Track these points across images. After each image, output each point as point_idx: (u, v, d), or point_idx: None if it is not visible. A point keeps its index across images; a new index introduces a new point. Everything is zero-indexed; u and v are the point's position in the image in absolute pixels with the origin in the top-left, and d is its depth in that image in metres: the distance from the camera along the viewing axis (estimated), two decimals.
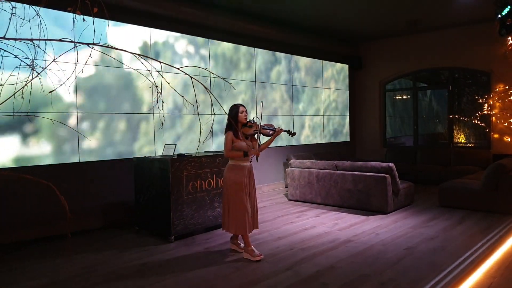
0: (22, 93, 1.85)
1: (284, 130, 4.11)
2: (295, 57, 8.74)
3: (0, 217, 4.59)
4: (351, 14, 7.62)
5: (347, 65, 10.28)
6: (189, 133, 6.58)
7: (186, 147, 6.49)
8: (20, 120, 4.56)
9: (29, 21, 2.02)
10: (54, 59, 2.32)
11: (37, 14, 2.21)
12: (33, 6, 2.23)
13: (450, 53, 8.83)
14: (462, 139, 9.12)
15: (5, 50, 2.12)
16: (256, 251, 3.91)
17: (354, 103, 10.59)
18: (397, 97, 10.39)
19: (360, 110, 10.57)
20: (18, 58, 2.11)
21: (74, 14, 1.97)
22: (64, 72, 3.24)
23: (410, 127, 9.91)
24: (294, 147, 8.58)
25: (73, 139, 5.18)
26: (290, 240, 4.55)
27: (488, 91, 8.45)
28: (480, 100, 8.60)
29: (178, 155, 4.83)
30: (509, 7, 5.91)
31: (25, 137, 4.77)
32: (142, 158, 4.98)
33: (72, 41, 1.93)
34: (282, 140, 8.34)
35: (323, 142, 9.48)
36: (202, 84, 2.39)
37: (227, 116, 4.09)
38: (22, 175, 1.97)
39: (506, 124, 8.20)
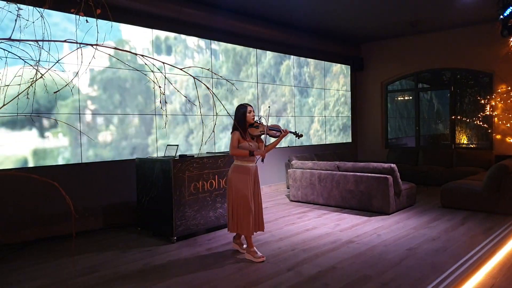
0: (28, 94, 1.87)
1: (291, 132, 4.05)
2: (297, 58, 8.75)
3: (3, 217, 4.61)
4: (353, 15, 7.62)
5: (349, 66, 10.29)
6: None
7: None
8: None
9: (33, 22, 2.04)
10: (58, 61, 2.34)
11: (41, 16, 2.23)
12: (37, 8, 2.24)
13: (452, 54, 8.82)
14: (464, 140, 9.11)
15: (9, 51, 2.13)
16: (258, 252, 3.91)
17: (356, 104, 10.59)
18: (399, 98, 10.39)
19: (362, 111, 10.57)
20: (22, 59, 2.13)
21: (78, 16, 1.98)
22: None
23: (412, 128, 9.91)
24: (295, 148, 8.59)
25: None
26: (291, 241, 4.55)
27: (490, 92, 8.44)
28: (482, 101, 8.59)
29: (180, 156, 4.84)
30: (511, 8, 5.91)
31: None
32: (144, 158, 5.00)
33: (76, 42, 1.95)
34: (284, 141, 8.35)
35: (324, 143, 9.48)
36: (204, 84, 2.41)
37: (232, 116, 4.08)
38: (29, 174, 1.98)
39: (508, 125, 8.18)
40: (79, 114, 5.24)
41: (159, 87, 2.05)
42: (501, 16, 6.17)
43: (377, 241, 4.45)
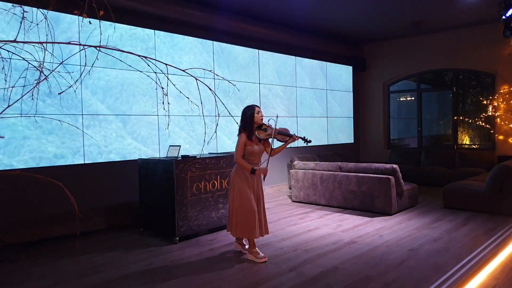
0: (32, 95, 1.89)
1: (300, 137, 3.94)
2: (299, 59, 8.76)
3: (7, 217, 4.64)
4: (355, 16, 7.62)
5: (351, 67, 10.29)
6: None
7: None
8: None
9: (37, 24, 2.06)
10: (61, 62, 2.36)
11: (44, 18, 2.25)
12: (41, 10, 2.26)
13: (454, 55, 8.81)
14: (466, 140, 9.10)
15: (13, 53, 2.15)
16: (260, 253, 3.91)
17: (358, 105, 10.59)
18: (401, 99, 10.38)
19: (364, 112, 10.57)
20: (26, 60, 2.15)
21: (82, 17, 2.00)
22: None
23: (414, 129, 9.89)
24: (298, 149, 8.59)
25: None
26: (293, 241, 4.56)
27: (493, 92, 8.43)
28: (485, 102, 8.58)
29: (183, 156, 4.86)
30: None
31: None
32: (146, 159, 5.01)
33: (79, 44, 1.96)
34: None
35: (326, 144, 9.48)
36: (206, 85, 2.42)
37: (234, 117, 4.04)
38: (34, 174, 2.00)
39: (510, 125, 8.17)
40: (82, 115, 5.26)
41: (162, 88, 2.07)
42: (504, 17, 6.16)
43: (379, 241, 4.45)
